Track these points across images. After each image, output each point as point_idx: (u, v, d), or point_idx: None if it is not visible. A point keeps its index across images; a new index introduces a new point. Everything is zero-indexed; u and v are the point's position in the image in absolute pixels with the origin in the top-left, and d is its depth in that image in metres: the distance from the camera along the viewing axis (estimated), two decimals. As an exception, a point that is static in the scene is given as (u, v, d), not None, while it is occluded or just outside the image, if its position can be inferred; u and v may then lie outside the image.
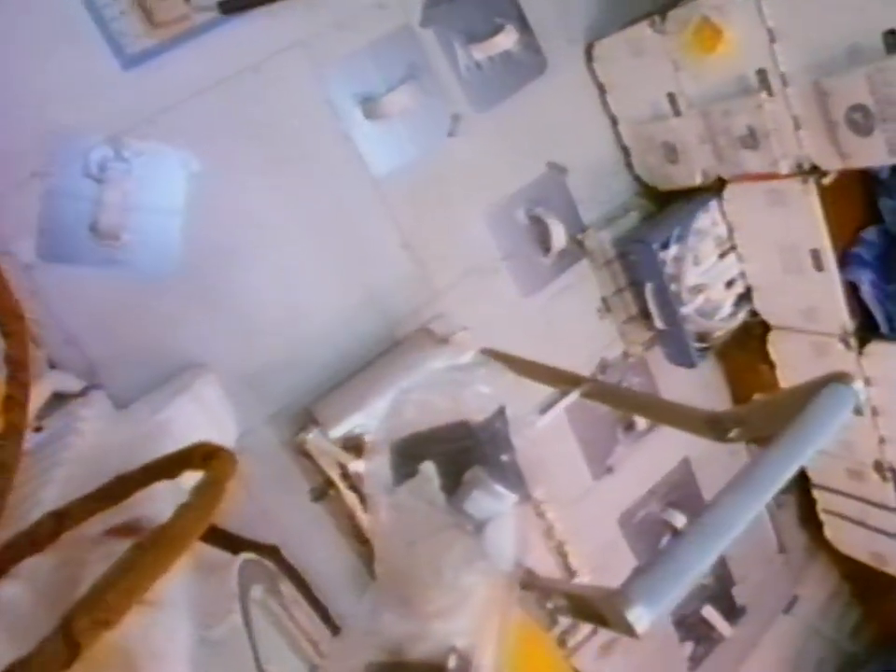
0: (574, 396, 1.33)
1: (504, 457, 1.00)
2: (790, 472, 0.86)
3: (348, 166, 2.18)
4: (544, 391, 1.52)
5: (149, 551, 0.60)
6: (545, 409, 1.33)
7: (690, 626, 3.18)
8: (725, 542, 0.80)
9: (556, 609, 0.90)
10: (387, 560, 1.01)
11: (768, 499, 0.84)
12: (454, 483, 0.98)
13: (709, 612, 3.18)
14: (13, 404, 0.88)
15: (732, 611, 3.26)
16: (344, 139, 2.19)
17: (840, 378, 0.95)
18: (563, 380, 1.38)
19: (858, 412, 0.96)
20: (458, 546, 0.92)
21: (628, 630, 0.75)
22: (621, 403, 1.36)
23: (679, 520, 2.99)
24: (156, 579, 0.59)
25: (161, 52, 1.93)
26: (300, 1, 2.13)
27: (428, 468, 1.01)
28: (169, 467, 0.82)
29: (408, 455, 1.05)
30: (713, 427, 1.09)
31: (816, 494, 2.96)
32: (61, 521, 0.84)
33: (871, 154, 1.94)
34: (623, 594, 0.76)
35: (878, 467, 2.57)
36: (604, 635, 2.75)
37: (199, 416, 1.73)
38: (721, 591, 3.23)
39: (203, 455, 0.77)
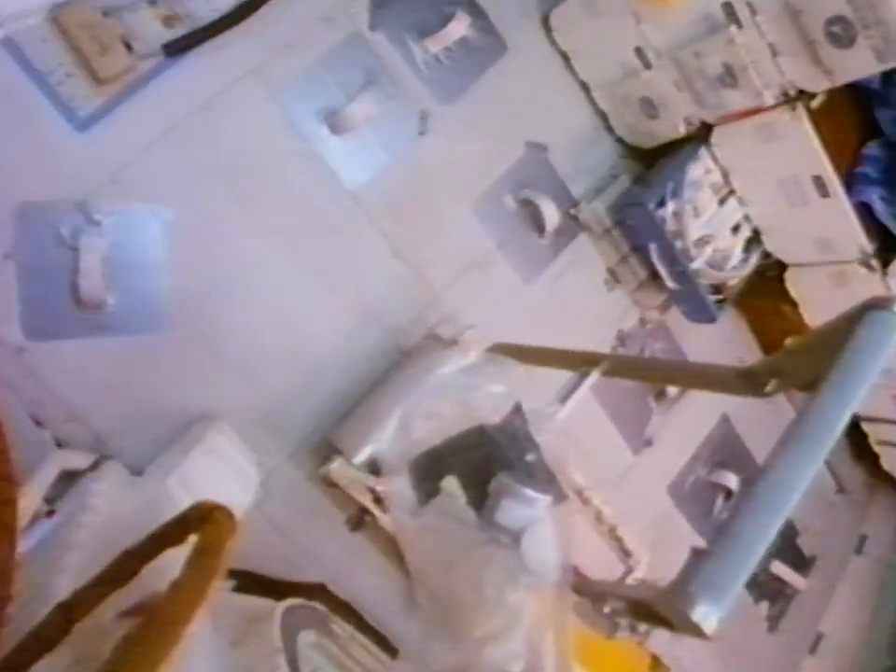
0: (595, 376, 1.26)
1: (529, 458, 0.93)
2: (844, 419, 0.78)
3: (323, 185, 2.12)
4: (563, 377, 1.45)
5: (141, 643, 0.54)
6: (567, 395, 1.26)
7: (761, 585, 3.07)
8: (786, 510, 0.72)
9: (615, 613, 0.83)
10: (427, 586, 0.94)
11: (825, 453, 0.76)
12: (480, 495, 0.91)
13: (779, 568, 3.08)
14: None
15: (801, 563, 3.15)
16: (314, 158, 2.13)
17: (879, 304, 0.86)
18: (580, 361, 1.31)
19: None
20: (498, 562, 0.85)
21: (696, 632, 0.67)
22: (645, 375, 1.28)
23: (731, 479, 2.89)
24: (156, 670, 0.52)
25: (112, 108, 1.88)
26: (244, 29, 2.07)
27: (451, 483, 0.94)
28: (172, 533, 0.76)
29: (427, 472, 0.98)
30: (748, 382, 1.01)
31: (865, 427, 2.86)
32: (70, 613, 0.78)
33: (858, 65, 1.85)
34: (684, 590, 0.68)
35: (925, 387, 2.46)
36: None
37: (216, 468, 1.68)
38: (786, 544, 3.13)
39: (198, 518, 0.70)
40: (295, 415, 2.00)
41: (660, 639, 2.58)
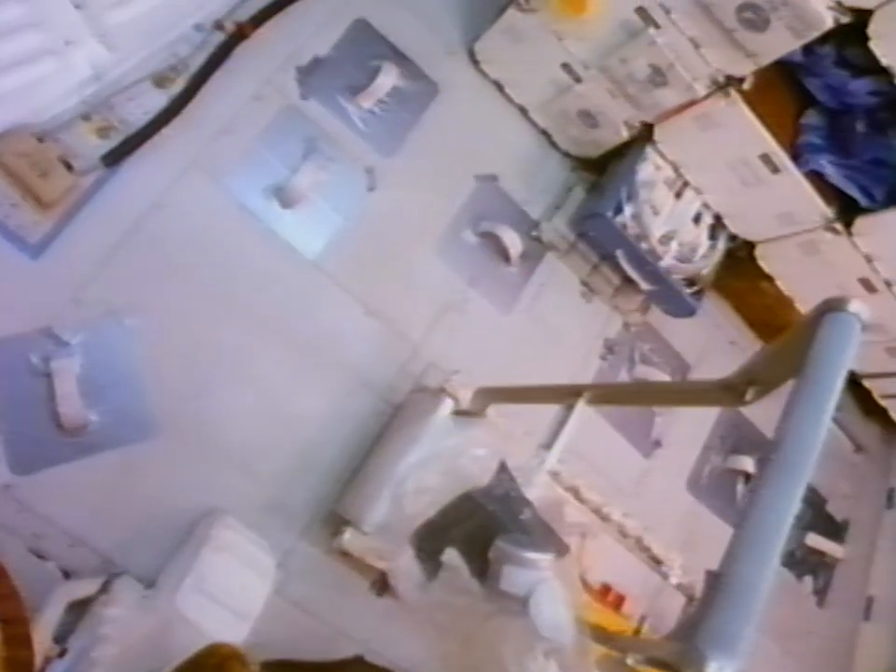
0: (580, 408, 1.25)
1: (523, 517, 0.91)
2: (822, 425, 0.77)
3: (284, 260, 2.13)
4: (552, 413, 1.44)
5: None
6: (554, 434, 1.25)
7: (800, 561, 3.04)
8: (781, 538, 0.71)
9: (638, 663, 0.81)
10: (450, 663, 0.93)
11: (810, 468, 0.75)
12: (482, 565, 0.89)
13: (814, 539, 3.04)
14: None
15: (835, 530, 3.12)
16: (270, 236, 2.14)
17: (834, 306, 0.86)
18: (564, 394, 1.30)
19: (865, 329, 0.87)
20: (513, 632, 0.83)
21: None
22: (630, 399, 1.27)
23: (747, 462, 2.87)
24: None
25: (62, 229, 1.90)
26: (178, 124, 2.09)
27: (452, 556, 0.93)
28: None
29: (428, 546, 0.97)
30: (728, 393, 1.01)
31: (867, 384, 2.85)
32: None
33: (777, 45, 1.88)
34: (692, 648, 0.66)
35: (916, 335, 2.46)
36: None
37: (229, 563, 1.66)
38: (816, 513, 3.10)
39: (214, 666, 0.69)
40: (299, 494, 1.98)
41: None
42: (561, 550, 0.88)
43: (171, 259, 2.00)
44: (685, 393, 1.14)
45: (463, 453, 0.94)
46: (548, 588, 0.82)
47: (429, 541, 0.95)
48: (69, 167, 1.96)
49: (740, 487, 2.93)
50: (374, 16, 2.43)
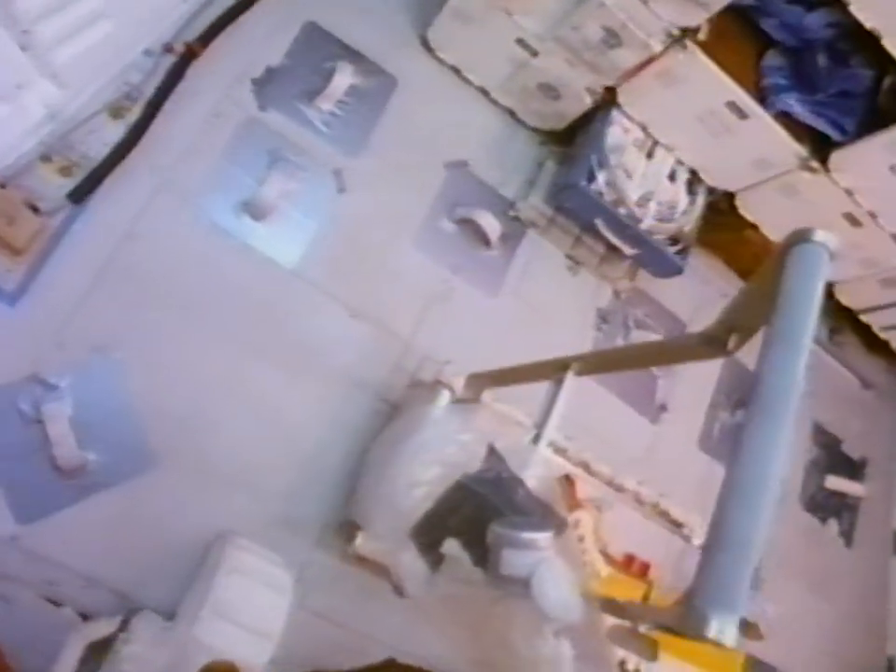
0: (570, 380, 1.23)
1: (517, 496, 0.90)
2: (800, 362, 0.75)
3: (263, 273, 2.11)
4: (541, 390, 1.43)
5: None
6: (547, 409, 1.24)
7: (822, 505, 3.02)
8: (771, 488, 0.69)
9: (650, 630, 0.80)
10: (465, 655, 0.92)
11: (794, 409, 0.73)
12: (483, 551, 0.88)
13: (833, 482, 3.03)
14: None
15: (853, 469, 3.10)
16: (246, 250, 2.12)
17: (800, 238, 0.84)
18: (553, 369, 1.28)
19: (833, 257, 0.85)
20: (520, 616, 0.82)
21: (720, 646, 0.64)
22: (617, 364, 1.26)
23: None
24: None
25: (36, 274, 1.89)
26: (140, 151, 2.07)
27: (452, 546, 0.91)
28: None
29: (428, 539, 0.96)
30: (710, 345, 0.99)
31: (865, 318, 2.82)
32: None
33: (726, -11, 1.85)
34: (694, 610, 0.65)
35: (907, 263, 2.44)
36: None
37: (245, 584, 1.65)
38: (831, 455, 3.08)
39: None
40: (308, 505, 1.98)
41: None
42: (560, 526, 0.87)
43: (150, 287, 1.99)
44: (669, 350, 1.13)
45: (450, 440, 0.93)
46: (549, 567, 0.81)
47: (428, 534, 0.94)
48: (36, 210, 1.95)
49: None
50: (323, 18, 2.41)
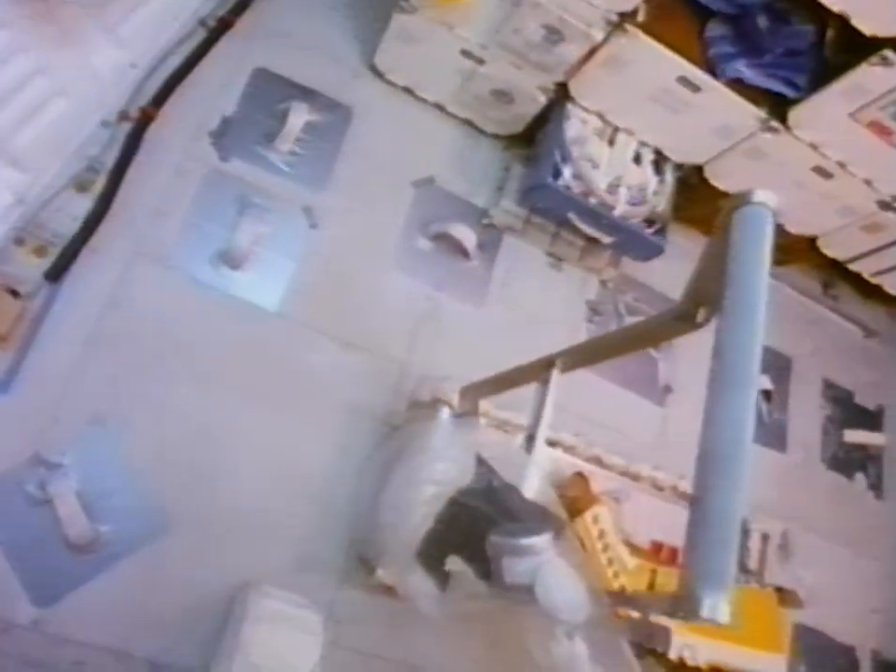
0: (555, 378, 1.23)
1: (511, 503, 0.89)
2: (757, 324, 0.75)
3: (249, 320, 2.13)
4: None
5: None
6: (538, 409, 1.23)
7: (846, 461, 2.99)
8: (744, 458, 0.68)
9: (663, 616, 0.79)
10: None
11: (756, 375, 0.73)
12: (485, 564, 0.88)
13: (852, 435, 3.00)
14: None
15: (870, 419, 3.08)
16: (229, 300, 2.14)
17: (739, 202, 0.84)
18: (538, 369, 1.28)
19: (776, 218, 0.84)
20: (530, 623, 0.82)
21: (715, 623, 0.64)
22: (600, 355, 1.25)
23: (763, 381, 2.84)
24: None
25: (23, 358, 1.90)
26: (110, 219, 2.10)
27: (455, 563, 0.91)
28: None
29: (433, 558, 0.95)
30: (684, 319, 0.99)
31: (854, 267, 2.81)
32: None
33: (654, -31, 1.87)
34: (686, 592, 0.64)
35: (884, 205, 2.42)
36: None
37: (273, 631, 1.64)
38: (846, 409, 3.05)
39: None
40: (327, 543, 1.97)
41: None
42: (559, 527, 0.86)
43: (139, 351, 2.00)
44: (646, 332, 1.12)
45: (439, 458, 0.93)
46: (551, 569, 0.80)
47: (432, 554, 0.93)
48: (15, 294, 1.97)
49: (764, 405, 2.89)
50: (271, 62, 2.44)
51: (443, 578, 0.92)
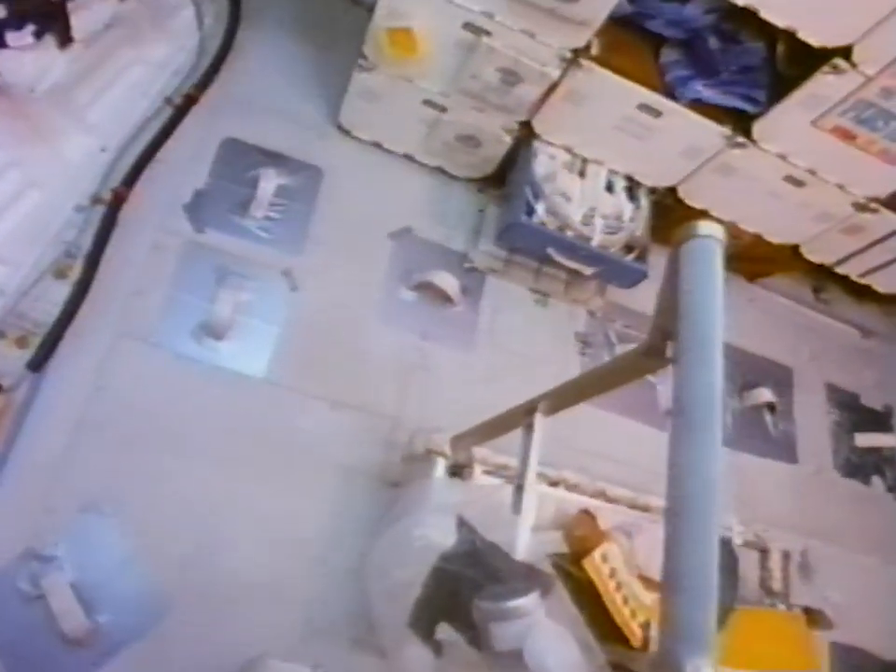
0: (540, 422, 1.20)
1: (495, 564, 0.86)
2: (714, 362, 0.72)
3: (236, 390, 2.11)
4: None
5: None
6: (524, 457, 1.20)
7: (860, 465, 2.93)
8: (713, 511, 0.65)
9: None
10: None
11: (718, 417, 0.70)
12: (474, 630, 0.84)
13: (863, 439, 2.94)
14: None
15: (879, 421, 3.02)
16: (215, 372, 2.13)
17: (685, 237, 0.83)
18: (520, 416, 1.26)
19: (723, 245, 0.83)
20: (524, 690, 0.77)
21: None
22: (579, 395, 1.23)
23: (764, 394, 2.80)
24: None
25: (11, 449, 1.88)
26: (89, 304, 2.09)
27: (445, 630, 0.87)
28: None
29: (424, 629, 0.92)
30: (653, 356, 0.97)
31: (841, 270, 2.80)
32: None
33: (597, 5, 1.91)
34: (666, 656, 0.61)
35: (861, 207, 2.42)
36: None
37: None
38: (853, 412, 3.00)
39: None
40: (334, 607, 1.92)
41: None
42: (546, 584, 0.83)
43: (128, 433, 1.98)
44: (620, 369, 1.10)
45: (417, 523, 0.90)
46: (539, 632, 0.77)
47: (423, 622, 0.89)
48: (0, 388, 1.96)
49: (768, 417, 2.85)
50: (238, 131, 2.48)
51: (438, 646, 0.88)
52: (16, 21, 1.86)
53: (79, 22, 2.05)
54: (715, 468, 0.68)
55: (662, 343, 0.93)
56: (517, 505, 1.07)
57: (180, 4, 2.56)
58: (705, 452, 0.69)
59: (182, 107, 2.45)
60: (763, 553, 2.34)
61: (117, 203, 2.25)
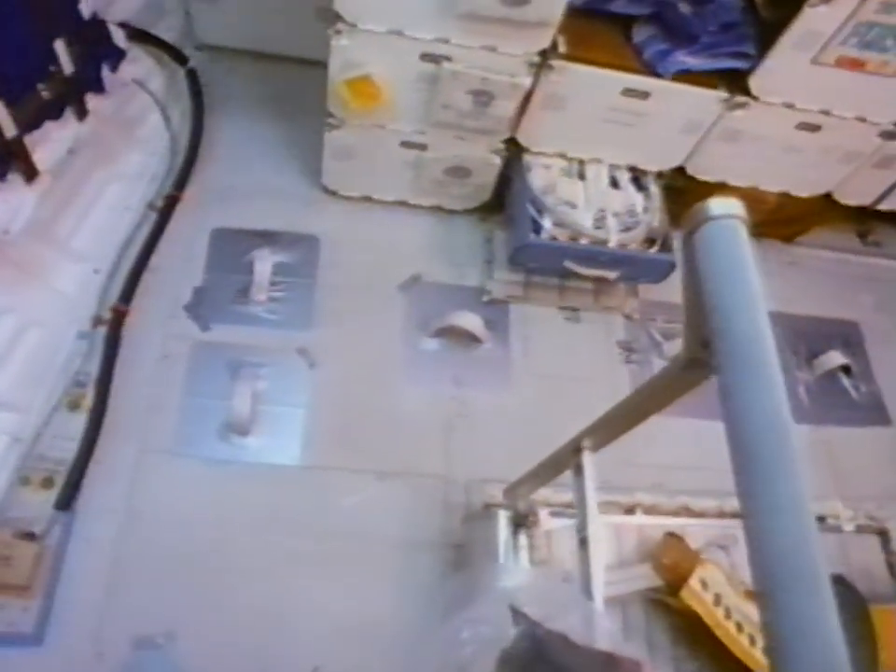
0: (589, 460, 1.04)
1: (565, 658, 0.69)
2: (769, 361, 0.56)
3: (274, 482, 2.00)
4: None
5: None
6: (580, 502, 1.04)
7: None
8: (822, 591, 0.48)
9: None
10: None
11: (795, 448, 0.54)
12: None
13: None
14: None
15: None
16: (249, 469, 2.02)
17: (697, 222, 0.67)
18: (568, 457, 1.09)
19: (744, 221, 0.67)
20: None
21: None
22: (624, 425, 1.06)
23: (835, 357, 2.57)
24: None
25: (52, 599, 1.79)
26: (107, 430, 2.02)
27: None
28: None
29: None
30: (692, 367, 0.81)
31: (882, 206, 2.58)
32: None
33: (550, 4, 1.78)
34: None
35: (888, 135, 2.22)
36: None
37: None
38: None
39: None
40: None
41: None
42: (629, 669, 0.66)
43: (170, 554, 1.87)
44: (660, 391, 0.94)
45: (461, 628, 0.74)
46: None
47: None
48: (32, 536, 1.87)
49: (846, 381, 2.60)
50: (225, 219, 2.42)
51: None
52: (-24, 168, 1.83)
53: (42, 153, 2.00)
54: (803, 500, 0.51)
55: (700, 350, 0.77)
56: (584, 564, 0.90)
57: (145, 110, 2.53)
58: (785, 488, 0.51)
59: (166, 209, 2.40)
60: (883, 534, 2.08)
61: (118, 320, 2.19)
